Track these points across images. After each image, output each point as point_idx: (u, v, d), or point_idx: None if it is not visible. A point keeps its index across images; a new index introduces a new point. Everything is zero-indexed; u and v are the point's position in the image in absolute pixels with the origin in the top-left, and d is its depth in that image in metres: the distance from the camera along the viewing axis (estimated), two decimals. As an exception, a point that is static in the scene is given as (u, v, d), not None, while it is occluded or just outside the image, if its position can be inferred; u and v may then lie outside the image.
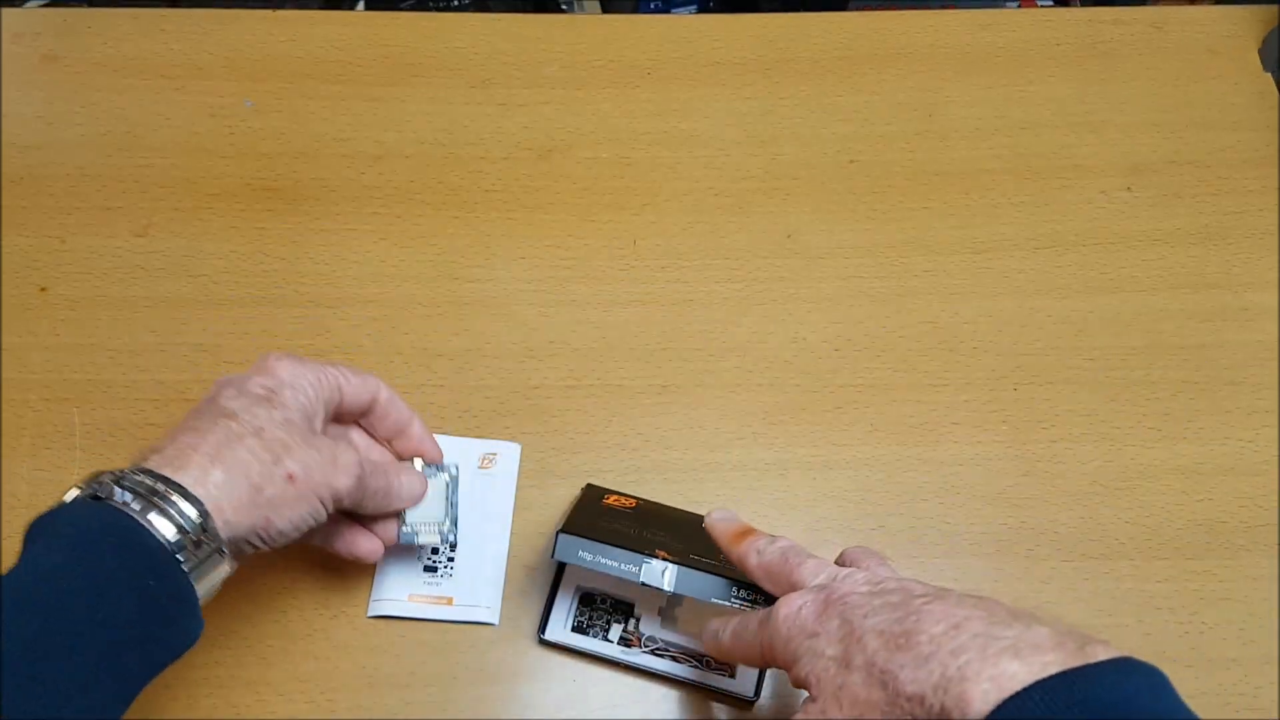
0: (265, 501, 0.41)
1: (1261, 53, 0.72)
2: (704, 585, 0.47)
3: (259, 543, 0.42)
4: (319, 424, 0.46)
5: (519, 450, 0.58)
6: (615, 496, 0.55)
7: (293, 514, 0.42)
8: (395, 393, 0.50)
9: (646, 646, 0.52)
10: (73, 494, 0.40)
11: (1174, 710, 0.32)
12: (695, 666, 0.52)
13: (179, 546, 0.38)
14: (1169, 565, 0.56)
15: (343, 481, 0.43)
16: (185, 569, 0.38)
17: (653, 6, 1.25)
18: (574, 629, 0.52)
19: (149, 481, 0.38)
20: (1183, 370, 0.61)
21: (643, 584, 0.47)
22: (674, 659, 0.52)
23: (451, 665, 0.53)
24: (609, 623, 0.53)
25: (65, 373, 0.59)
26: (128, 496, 0.38)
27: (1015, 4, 1.14)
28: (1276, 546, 0.56)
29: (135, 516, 0.37)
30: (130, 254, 0.63)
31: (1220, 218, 0.66)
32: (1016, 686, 0.31)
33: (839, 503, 0.57)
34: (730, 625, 0.45)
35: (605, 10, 1.24)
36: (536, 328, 0.62)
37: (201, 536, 0.38)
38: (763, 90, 0.70)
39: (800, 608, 0.40)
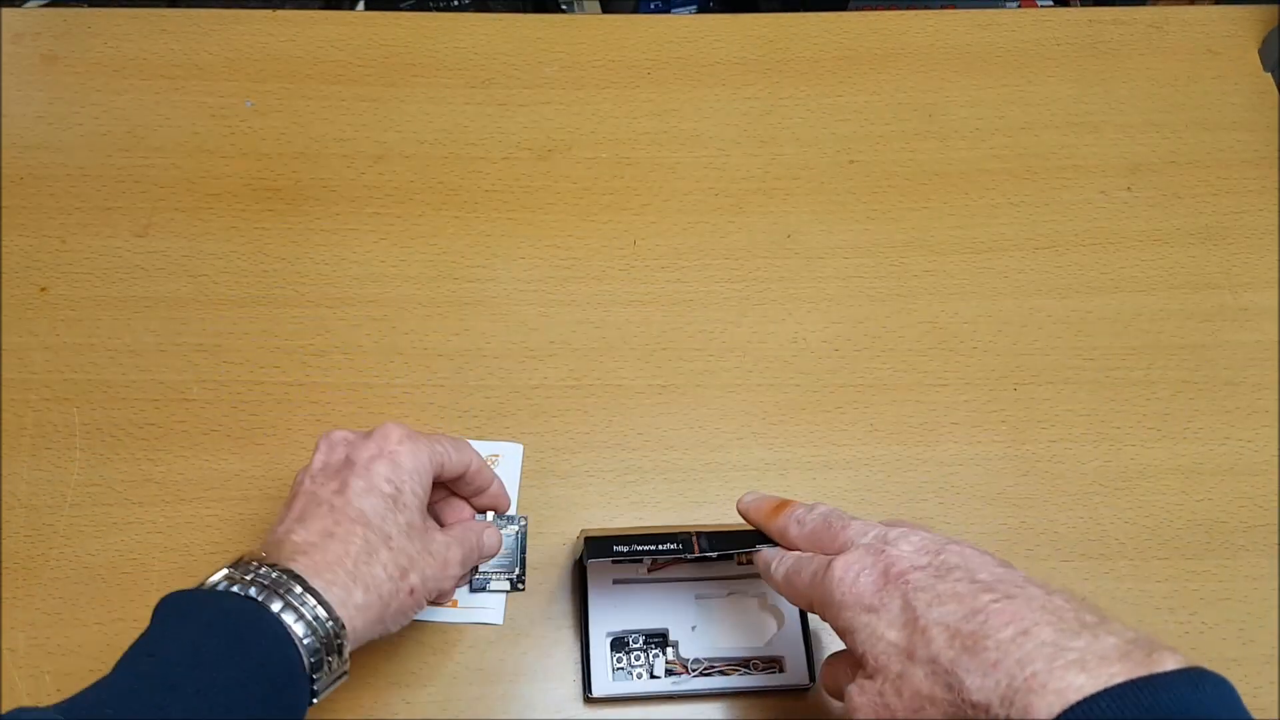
0: (389, 615, 0.43)
1: (1261, 53, 0.72)
2: (741, 539, 0.47)
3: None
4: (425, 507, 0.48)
5: (521, 451, 0.58)
6: (617, 530, 0.54)
7: (404, 620, 0.45)
8: (484, 459, 0.52)
9: (694, 670, 0.51)
10: (222, 576, 0.41)
11: None
12: (745, 673, 0.51)
13: (315, 665, 0.40)
14: (1168, 565, 0.56)
15: (449, 585, 0.47)
16: (314, 684, 0.40)
17: (653, 6, 1.25)
18: (615, 678, 0.51)
19: (299, 589, 0.40)
20: (1182, 370, 0.61)
21: (679, 549, 0.47)
22: (723, 673, 0.51)
23: (453, 665, 0.53)
24: (650, 659, 0.52)
25: (65, 373, 0.59)
26: (278, 604, 0.39)
27: (1015, 4, 1.14)
28: (1276, 546, 0.56)
29: (287, 626, 0.39)
30: (130, 254, 0.63)
31: (1220, 218, 0.66)
32: (1080, 696, 0.31)
33: (839, 503, 0.57)
34: (785, 565, 0.44)
35: (605, 10, 1.24)
36: (536, 328, 0.62)
37: (335, 655, 0.40)
38: (763, 90, 0.70)
39: (858, 575, 0.40)
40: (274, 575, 0.40)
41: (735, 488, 0.58)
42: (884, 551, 0.40)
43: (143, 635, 0.39)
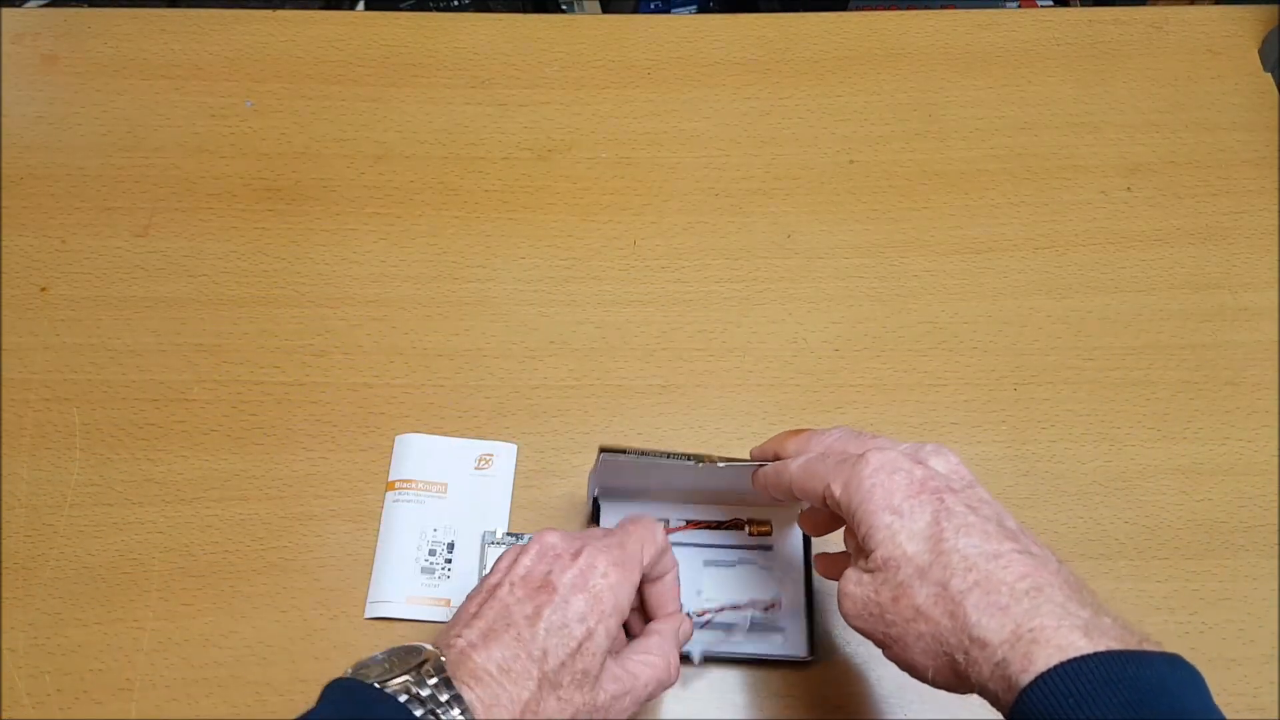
0: None
1: (1261, 53, 0.72)
2: (746, 464, 0.48)
3: None
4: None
5: (515, 450, 0.58)
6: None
7: None
8: (676, 575, 0.48)
9: (695, 621, 0.52)
10: (399, 684, 0.37)
11: (1207, 709, 0.34)
12: (746, 616, 0.52)
13: None
14: (1168, 565, 0.56)
15: None
16: None
17: (653, 7, 1.25)
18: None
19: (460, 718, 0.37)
20: (1182, 370, 0.61)
21: (693, 458, 0.47)
22: (724, 627, 0.52)
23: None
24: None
25: (65, 372, 0.59)
26: None
27: (1015, 4, 1.14)
28: (1276, 547, 0.56)
29: None
30: (130, 254, 0.63)
31: (1220, 218, 0.66)
32: (1077, 654, 0.33)
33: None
34: (806, 457, 0.43)
35: (605, 10, 1.24)
36: (536, 328, 0.62)
37: None
38: (763, 90, 0.70)
39: (895, 471, 0.39)
40: (444, 698, 0.37)
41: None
42: (922, 462, 0.40)
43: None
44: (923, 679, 0.38)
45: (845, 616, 0.40)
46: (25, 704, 0.51)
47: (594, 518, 0.54)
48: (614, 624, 0.42)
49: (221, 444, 0.58)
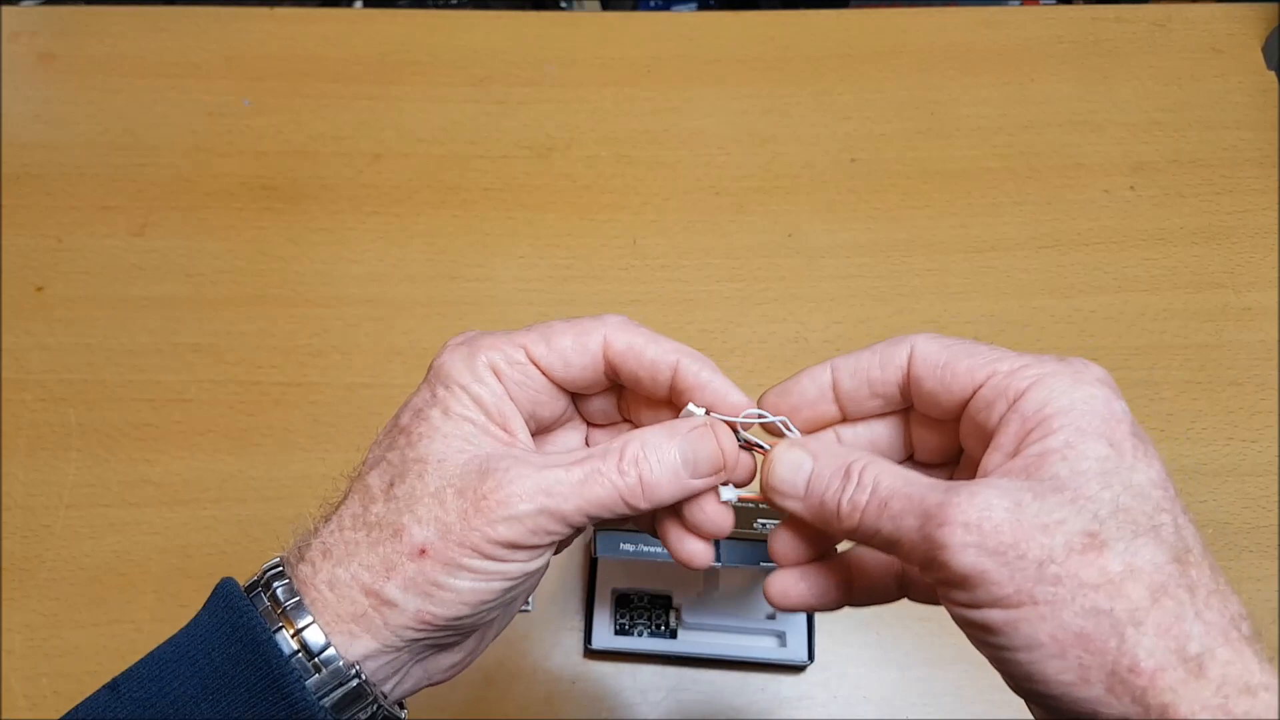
0: (396, 599, 0.29)
1: (1265, 51, 0.72)
2: (749, 551, 0.47)
3: (444, 638, 0.31)
4: (510, 429, 0.31)
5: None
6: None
7: (453, 595, 0.29)
8: (636, 334, 0.32)
9: (692, 630, 0.52)
10: (272, 563, 0.31)
11: None
12: (743, 634, 0.52)
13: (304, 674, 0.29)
14: (1172, 567, 0.56)
15: (504, 530, 0.28)
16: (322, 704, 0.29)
17: (652, 4, 1.25)
18: (617, 632, 0.52)
19: (280, 592, 0.29)
20: (1185, 370, 0.61)
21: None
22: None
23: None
24: (651, 618, 0.53)
25: (62, 373, 0.59)
26: (265, 604, 0.29)
27: (1018, 1, 1.14)
28: (1278, 548, 0.56)
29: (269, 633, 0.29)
30: (127, 253, 0.63)
31: (1223, 217, 0.66)
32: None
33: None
34: (920, 336, 0.31)
35: (605, 8, 1.24)
36: (536, 327, 0.61)
37: (323, 669, 0.29)
38: (763, 88, 0.70)
39: (1117, 398, 0.29)
40: (276, 571, 0.30)
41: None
42: (1123, 400, 0.29)
43: None
44: (1027, 678, 0.26)
45: (960, 549, 0.25)
46: (22, 705, 0.51)
47: (593, 547, 0.52)
48: (447, 395, 0.31)
49: (218, 444, 0.57)
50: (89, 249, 0.63)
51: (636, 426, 0.34)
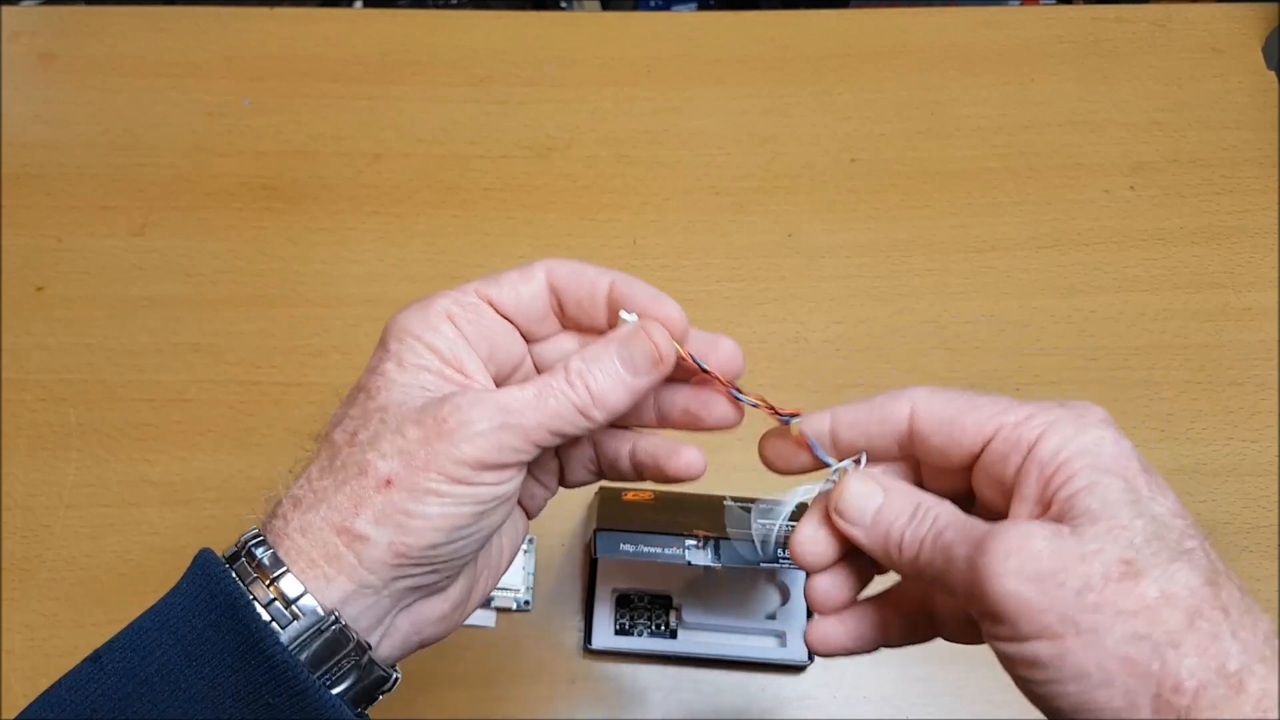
0: (367, 533, 0.29)
1: (1265, 51, 0.72)
2: (748, 551, 0.47)
3: (423, 576, 0.30)
4: (467, 373, 0.32)
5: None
6: (631, 493, 0.54)
7: (424, 522, 0.29)
8: (576, 261, 0.34)
9: (692, 630, 0.52)
10: (250, 531, 0.31)
11: None
12: (743, 634, 0.52)
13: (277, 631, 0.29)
14: (1172, 567, 0.56)
15: (468, 449, 0.29)
16: (301, 660, 0.28)
17: (652, 4, 1.25)
18: (617, 632, 0.52)
19: (258, 552, 0.29)
20: (1185, 370, 0.61)
21: (689, 564, 0.47)
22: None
23: (451, 666, 0.52)
24: (651, 618, 0.53)
25: (62, 373, 0.59)
26: (244, 566, 0.29)
27: (1018, 1, 1.14)
28: (1278, 548, 0.56)
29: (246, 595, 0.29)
30: (127, 253, 0.63)
31: (1223, 217, 0.66)
32: None
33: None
34: (923, 388, 0.32)
35: (605, 8, 1.24)
36: (536, 328, 0.61)
37: (301, 616, 0.29)
38: (763, 88, 0.70)
39: (1123, 438, 0.29)
40: (253, 535, 0.31)
41: (737, 489, 0.57)
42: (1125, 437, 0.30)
43: None
44: (1076, 710, 0.26)
45: (1002, 576, 0.26)
46: (22, 705, 0.51)
47: (593, 548, 0.51)
48: (412, 360, 0.31)
49: (219, 445, 0.57)
50: (89, 249, 0.63)
51: None
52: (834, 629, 0.34)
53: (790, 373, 0.60)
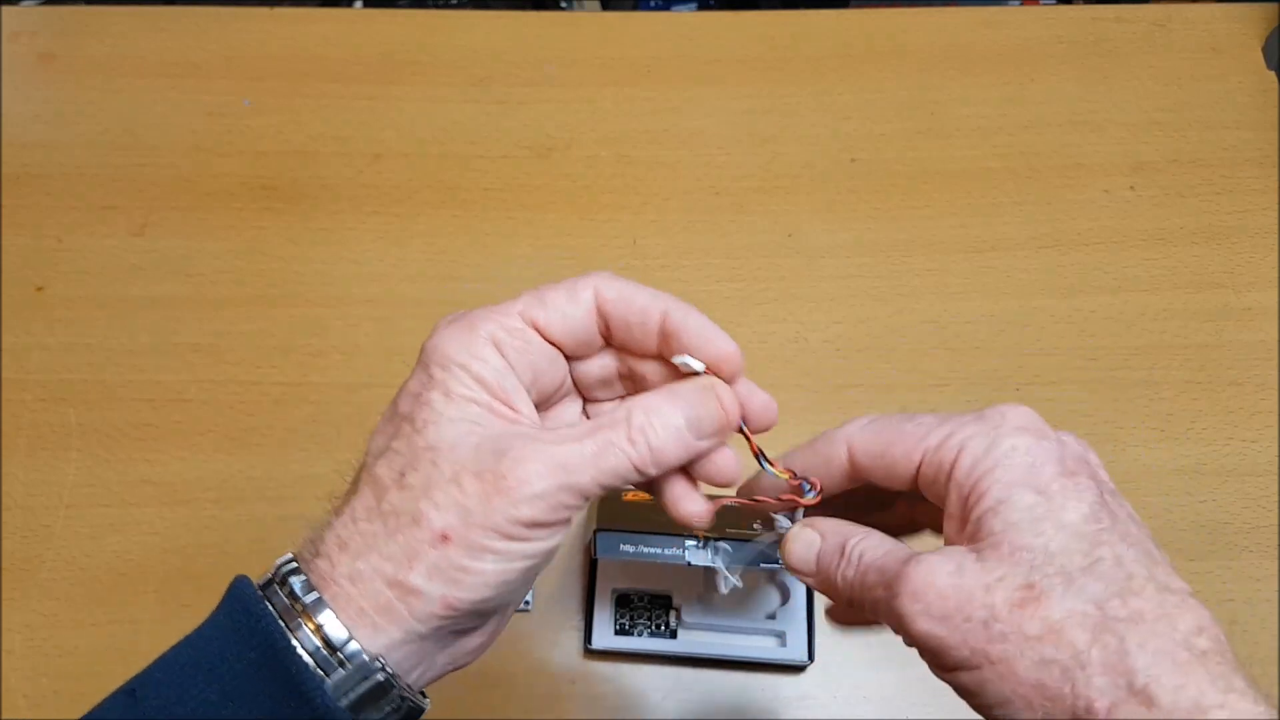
0: (420, 587, 0.28)
1: (1265, 51, 0.72)
2: (749, 553, 0.47)
3: (468, 621, 0.30)
4: (514, 406, 0.31)
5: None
6: (631, 493, 0.54)
7: (478, 579, 0.28)
8: (626, 284, 0.33)
9: (692, 630, 0.52)
10: (286, 559, 0.30)
11: None
12: (743, 634, 0.52)
13: (321, 678, 0.28)
14: (1172, 567, 0.56)
15: (526, 510, 0.28)
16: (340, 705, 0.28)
17: (652, 4, 1.25)
18: (617, 632, 0.52)
19: (297, 587, 0.29)
20: (1185, 370, 0.61)
21: (689, 564, 0.47)
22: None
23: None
24: (651, 618, 0.53)
25: (62, 373, 0.59)
26: (283, 602, 0.29)
27: (1018, 1, 1.14)
28: (1277, 548, 0.56)
29: (286, 634, 0.28)
30: (127, 253, 0.63)
31: (1223, 217, 0.66)
32: None
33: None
34: (863, 420, 0.33)
35: (605, 8, 1.24)
36: (536, 327, 0.61)
37: (348, 664, 0.28)
38: (763, 88, 0.70)
39: (1043, 437, 0.29)
40: (288, 569, 0.30)
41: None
42: (1050, 435, 0.30)
43: None
44: None
45: (913, 618, 0.28)
46: (22, 705, 0.51)
47: (593, 548, 0.51)
48: (461, 391, 0.30)
49: (218, 445, 0.57)
50: (89, 249, 0.63)
51: (633, 390, 0.34)
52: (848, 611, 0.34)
53: (790, 373, 0.60)
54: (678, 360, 0.32)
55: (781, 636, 0.52)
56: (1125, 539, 0.28)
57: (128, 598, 0.53)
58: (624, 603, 0.53)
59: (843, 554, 0.31)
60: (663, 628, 0.52)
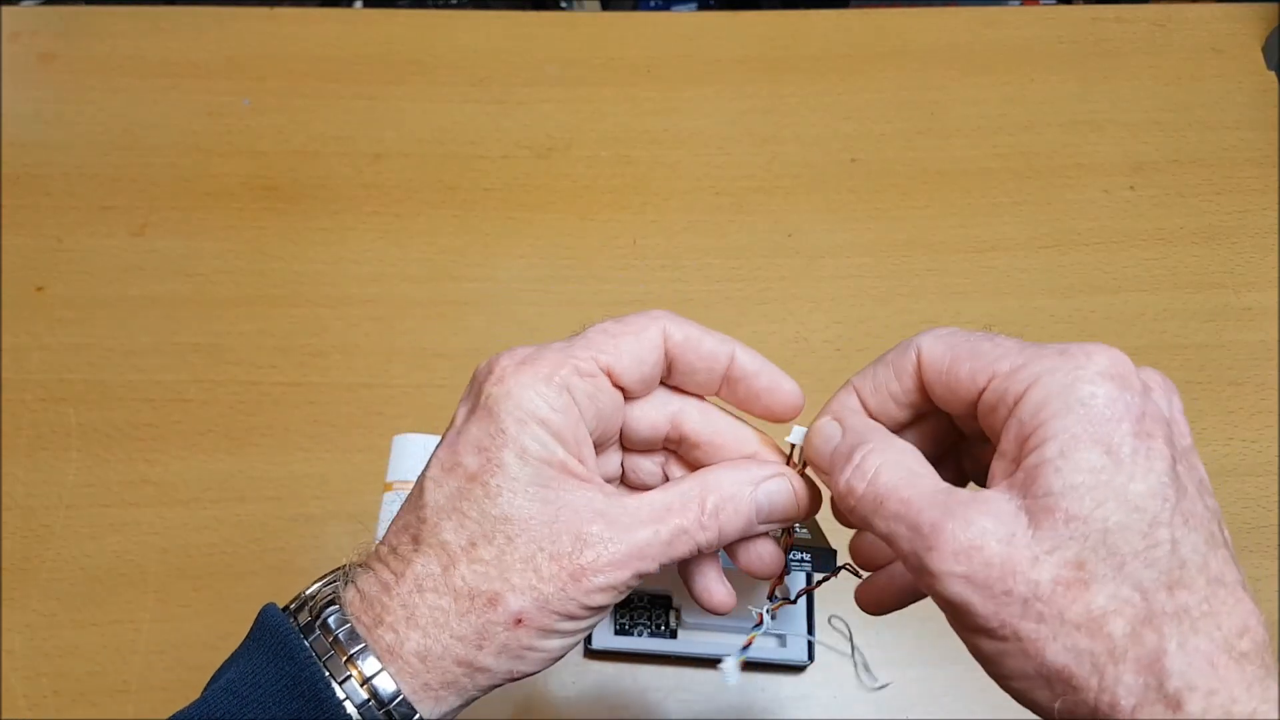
0: (489, 666, 0.29)
1: (1264, 51, 0.72)
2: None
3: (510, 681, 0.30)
4: (584, 459, 0.30)
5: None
6: None
7: (543, 655, 0.29)
8: (690, 326, 0.32)
9: (692, 630, 0.52)
10: (330, 607, 0.29)
11: None
12: (743, 634, 0.52)
13: None
14: (1172, 567, 0.56)
15: (598, 598, 0.29)
16: None
17: (652, 4, 1.25)
18: (617, 632, 0.52)
19: (344, 640, 0.28)
20: (1185, 370, 0.61)
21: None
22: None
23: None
24: (651, 618, 0.53)
25: (62, 373, 0.59)
26: (329, 650, 0.28)
27: (1018, 2, 1.14)
28: (1277, 547, 0.56)
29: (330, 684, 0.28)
30: (127, 253, 0.63)
31: (1223, 217, 0.66)
32: None
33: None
34: (932, 333, 0.31)
35: (605, 8, 1.24)
36: (536, 327, 0.61)
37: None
38: (763, 88, 0.70)
39: (1127, 387, 0.26)
40: (336, 614, 0.29)
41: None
42: (1136, 385, 0.26)
43: None
44: (1015, 695, 0.26)
45: (948, 579, 0.25)
46: (22, 705, 0.51)
47: None
48: (533, 448, 0.29)
49: (218, 444, 0.57)
50: (89, 249, 0.63)
51: (676, 448, 0.34)
52: (884, 583, 0.33)
53: (790, 373, 0.60)
54: (791, 439, 0.33)
55: (781, 637, 0.52)
56: (1188, 520, 0.25)
57: (128, 597, 0.53)
58: (624, 603, 0.53)
59: (850, 459, 0.29)
60: (663, 628, 0.52)
